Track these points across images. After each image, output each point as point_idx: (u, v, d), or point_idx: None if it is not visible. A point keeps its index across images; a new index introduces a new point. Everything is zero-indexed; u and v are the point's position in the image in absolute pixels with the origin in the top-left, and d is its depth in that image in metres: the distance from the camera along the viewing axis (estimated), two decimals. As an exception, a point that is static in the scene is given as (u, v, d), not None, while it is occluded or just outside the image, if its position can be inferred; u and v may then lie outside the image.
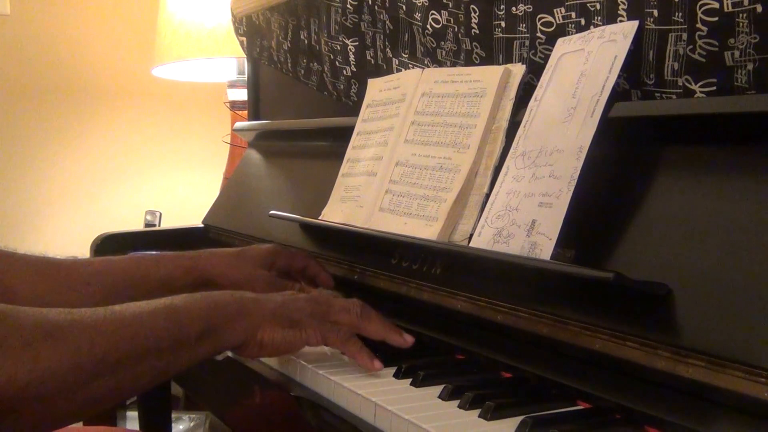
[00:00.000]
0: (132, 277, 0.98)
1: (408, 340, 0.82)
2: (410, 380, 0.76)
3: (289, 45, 1.47)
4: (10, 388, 0.59)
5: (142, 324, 0.70)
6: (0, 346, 0.60)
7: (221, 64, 2.21)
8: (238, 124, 1.71)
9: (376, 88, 1.17)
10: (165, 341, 0.71)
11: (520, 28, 0.94)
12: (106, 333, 0.67)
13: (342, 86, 1.34)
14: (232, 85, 2.03)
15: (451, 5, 1.03)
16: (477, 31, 1.00)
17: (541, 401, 0.70)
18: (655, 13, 0.78)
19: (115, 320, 0.69)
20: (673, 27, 0.77)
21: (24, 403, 0.61)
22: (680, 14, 0.75)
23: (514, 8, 0.94)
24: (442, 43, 1.08)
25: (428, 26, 1.08)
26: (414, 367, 0.78)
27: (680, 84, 0.78)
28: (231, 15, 1.64)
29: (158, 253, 1.10)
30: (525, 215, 0.80)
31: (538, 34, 0.92)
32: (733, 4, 0.70)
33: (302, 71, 1.46)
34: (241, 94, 1.93)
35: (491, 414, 0.65)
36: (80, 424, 1.54)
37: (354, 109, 1.25)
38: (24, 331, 0.62)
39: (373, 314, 0.85)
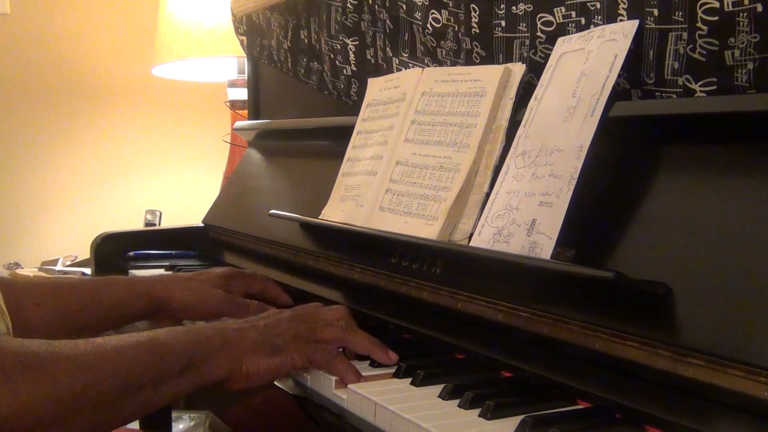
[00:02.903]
0: (83, 301, 0.97)
1: (392, 357, 0.81)
2: (410, 379, 0.76)
3: (289, 44, 1.47)
4: None
5: (123, 357, 0.69)
6: None
7: (221, 64, 2.21)
8: (238, 124, 1.71)
9: (376, 87, 1.17)
10: (147, 375, 0.70)
11: (521, 28, 0.94)
12: (86, 366, 0.65)
13: (342, 85, 1.34)
14: (232, 84, 2.03)
15: (451, 4, 1.03)
16: (477, 31, 1.00)
17: (541, 400, 0.70)
18: (656, 12, 0.77)
19: (96, 353, 0.67)
20: (673, 26, 0.77)
21: None
22: (680, 13, 0.75)
23: (514, 7, 0.94)
24: (443, 42, 1.08)
25: (428, 25, 1.08)
26: (414, 366, 0.78)
27: (680, 83, 0.78)
28: (231, 14, 1.64)
29: (111, 277, 1.09)
30: (525, 214, 0.80)
31: (539, 34, 0.92)
32: (734, 4, 0.70)
33: (302, 70, 1.46)
34: (241, 94, 1.93)
35: (491, 413, 0.65)
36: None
37: (354, 109, 1.25)
38: (5, 363, 0.61)
39: (357, 327, 0.84)
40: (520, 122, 0.88)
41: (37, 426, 0.61)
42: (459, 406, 0.68)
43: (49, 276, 2.14)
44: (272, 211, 1.25)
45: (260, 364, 0.78)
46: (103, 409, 0.66)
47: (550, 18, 0.90)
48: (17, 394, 0.60)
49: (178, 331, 0.76)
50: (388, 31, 1.20)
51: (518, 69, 0.94)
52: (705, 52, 0.74)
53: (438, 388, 0.72)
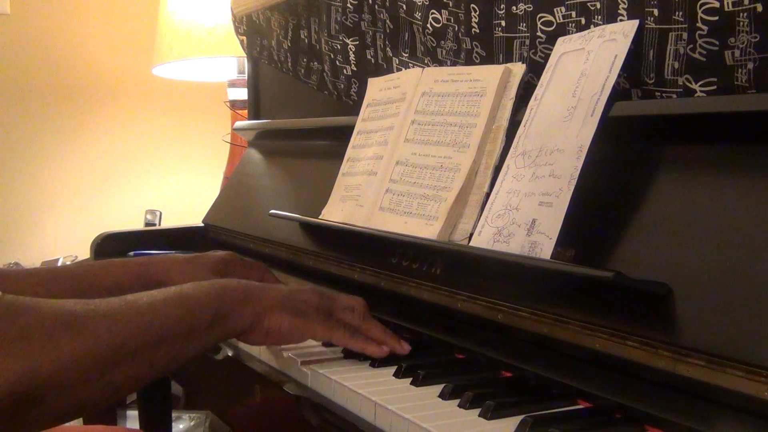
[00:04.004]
0: (81, 285, 0.97)
1: (405, 347, 0.83)
2: (410, 379, 0.76)
3: (289, 44, 1.47)
4: (36, 379, 0.61)
5: (156, 312, 0.72)
6: (24, 337, 0.61)
7: (221, 64, 2.21)
8: (238, 124, 1.71)
9: (376, 87, 1.17)
10: (178, 328, 0.73)
11: (521, 28, 0.94)
12: (122, 322, 0.68)
13: (342, 85, 1.34)
14: (233, 84, 2.03)
15: (451, 4, 1.03)
16: (477, 31, 1.00)
17: (541, 400, 0.70)
18: (656, 12, 0.77)
19: (130, 309, 0.70)
20: (673, 26, 0.77)
21: (48, 392, 0.62)
22: (680, 13, 0.75)
23: (514, 7, 0.94)
24: (443, 42, 1.08)
25: (428, 25, 1.08)
26: (414, 366, 0.78)
27: (680, 83, 0.78)
28: (231, 14, 1.64)
29: (107, 260, 1.09)
30: (525, 214, 0.80)
31: (539, 34, 0.92)
32: (734, 4, 0.70)
33: (302, 70, 1.46)
34: (242, 94, 1.93)
35: (491, 413, 0.65)
36: (80, 423, 1.54)
37: (354, 109, 1.25)
38: (46, 322, 0.63)
39: (373, 318, 0.86)
40: (520, 122, 0.88)
41: (80, 380, 0.64)
42: (459, 406, 0.68)
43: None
44: (272, 211, 1.25)
45: (282, 322, 0.80)
46: (139, 362, 0.69)
47: (550, 18, 0.90)
48: (61, 351, 0.63)
49: (203, 285, 0.78)
50: (388, 31, 1.20)
51: (518, 69, 0.94)
52: (705, 52, 0.74)
53: (438, 388, 0.72)
